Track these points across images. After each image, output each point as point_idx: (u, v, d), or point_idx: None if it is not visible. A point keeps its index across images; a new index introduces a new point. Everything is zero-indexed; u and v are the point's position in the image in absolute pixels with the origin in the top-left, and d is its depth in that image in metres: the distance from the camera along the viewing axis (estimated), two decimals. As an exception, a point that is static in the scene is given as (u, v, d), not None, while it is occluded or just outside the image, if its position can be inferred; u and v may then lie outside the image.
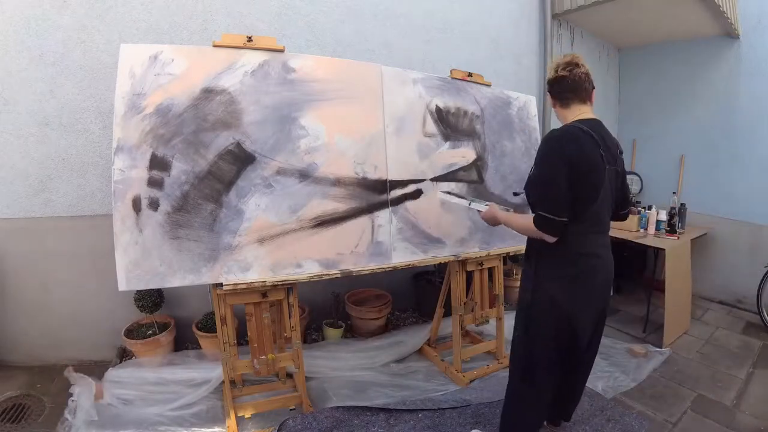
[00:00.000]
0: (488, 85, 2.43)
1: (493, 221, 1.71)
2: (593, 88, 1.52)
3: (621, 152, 1.54)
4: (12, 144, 2.10)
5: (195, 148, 1.64)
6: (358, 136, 1.96)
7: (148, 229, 1.58)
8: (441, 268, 2.87)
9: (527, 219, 1.43)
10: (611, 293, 1.58)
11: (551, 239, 1.38)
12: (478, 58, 3.32)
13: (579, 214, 1.37)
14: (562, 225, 1.34)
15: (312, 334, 2.72)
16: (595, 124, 1.43)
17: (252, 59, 1.75)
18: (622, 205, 1.60)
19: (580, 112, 1.48)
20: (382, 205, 2.01)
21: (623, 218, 1.64)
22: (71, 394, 1.91)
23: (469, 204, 1.91)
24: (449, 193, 2.09)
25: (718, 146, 3.79)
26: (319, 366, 2.28)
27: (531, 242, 1.54)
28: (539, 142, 2.69)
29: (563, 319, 1.45)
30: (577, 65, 1.47)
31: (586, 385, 2.27)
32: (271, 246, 1.76)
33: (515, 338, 1.59)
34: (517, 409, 1.63)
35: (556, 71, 1.49)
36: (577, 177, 1.33)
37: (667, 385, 2.36)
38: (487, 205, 1.81)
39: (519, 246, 2.51)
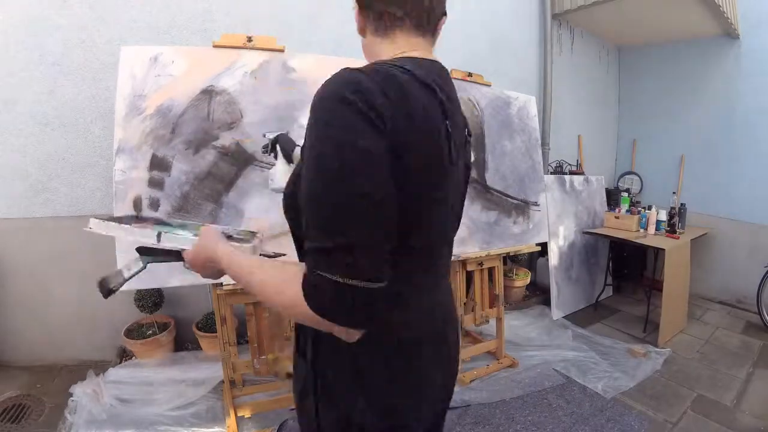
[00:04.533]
0: (488, 85, 2.42)
1: (205, 268, 0.75)
2: (444, 14, 0.74)
3: (470, 134, 0.81)
4: (12, 144, 2.10)
5: (195, 148, 1.64)
6: (358, 137, 1.96)
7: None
8: (441, 268, 2.86)
9: (288, 282, 0.57)
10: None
11: (353, 335, 0.60)
12: (478, 57, 3.31)
13: (408, 246, 0.61)
14: (376, 297, 0.54)
15: (312, 334, 2.72)
16: (436, 70, 0.70)
17: (252, 59, 1.75)
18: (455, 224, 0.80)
19: (410, 48, 0.70)
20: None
21: None
22: (71, 394, 1.91)
23: (159, 238, 0.81)
24: (108, 220, 0.95)
25: (718, 146, 3.79)
26: (319, 366, 2.28)
27: None
28: (539, 142, 2.70)
29: None
30: None
31: (586, 385, 2.29)
32: (271, 246, 1.76)
33: None
34: None
35: None
36: (405, 171, 0.57)
37: (667, 385, 2.36)
38: (195, 235, 0.80)
39: (519, 246, 2.52)
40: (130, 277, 0.83)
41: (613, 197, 3.89)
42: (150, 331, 2.26)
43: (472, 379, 2.30)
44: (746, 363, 2.64)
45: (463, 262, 2.28)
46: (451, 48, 3.20)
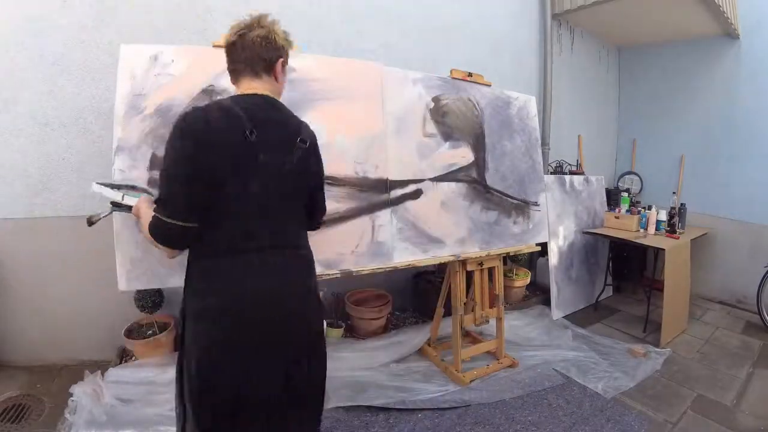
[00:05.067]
0: (488, 85, 2.42)
1: (138, 217, 1.22)
2: (279, 57, 1.18)
3: (310, 145, 1.20)
4: (12, 144, 2.10)
5: (195, 148, 1.64)
6: (358, 136, 1.96)
7: (148, 229, 1.58)
8: (441, 268, 2.87)
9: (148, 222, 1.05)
10: (306, 343, 1.17)
11: (170, 254, 1.08)
12: (478, 58, 3.32)
13: (212, 218, 1.02)
14: (180, 232, 1.00)
15: (312, 334, 2.72)
16: (252, 100, 1.11)
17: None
18: (312, 214, 1.35)
19: (248, 89, 1.14)
20: (382, 205, 2.01)
21: (314, 228, 1.41)
22: (71, 394, 1.91)
23: (122, 198, 1.37)
24: (103, 184, 1.45)
25: (718, 146, 3.79)
26: (319, 366, 2.28)
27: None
28: (539, 142, 2.71)
29: (218, 393, 1.11)
30: (251, 27, 1.12)
31: (586, 385, 2.29)
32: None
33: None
34: None
35: (228, 38, 1.15)
36: (204, 164, 0.99)
37: (667, 385, 2.36)
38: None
39: (519, 246, 2.52)
40: (104, 217, 1.36)
41: (613, 197, 3.89)
42: (150, 331, 2.25)
43: (472, 379, 2.31)
44: (746, 363, 2.65)
45: (463, 262, 2.28)
46: (451, 48, 3.21)
